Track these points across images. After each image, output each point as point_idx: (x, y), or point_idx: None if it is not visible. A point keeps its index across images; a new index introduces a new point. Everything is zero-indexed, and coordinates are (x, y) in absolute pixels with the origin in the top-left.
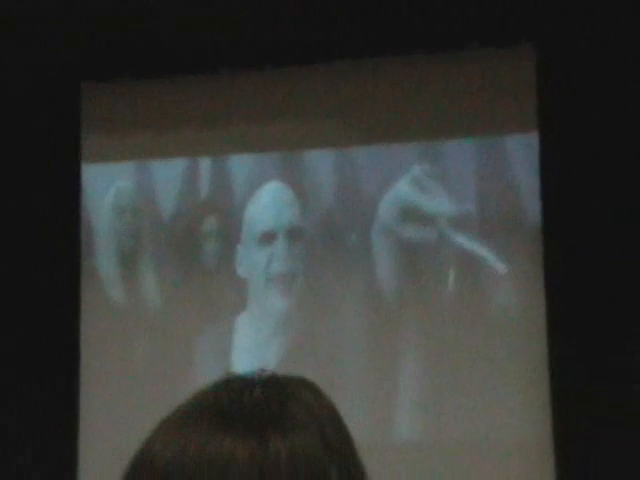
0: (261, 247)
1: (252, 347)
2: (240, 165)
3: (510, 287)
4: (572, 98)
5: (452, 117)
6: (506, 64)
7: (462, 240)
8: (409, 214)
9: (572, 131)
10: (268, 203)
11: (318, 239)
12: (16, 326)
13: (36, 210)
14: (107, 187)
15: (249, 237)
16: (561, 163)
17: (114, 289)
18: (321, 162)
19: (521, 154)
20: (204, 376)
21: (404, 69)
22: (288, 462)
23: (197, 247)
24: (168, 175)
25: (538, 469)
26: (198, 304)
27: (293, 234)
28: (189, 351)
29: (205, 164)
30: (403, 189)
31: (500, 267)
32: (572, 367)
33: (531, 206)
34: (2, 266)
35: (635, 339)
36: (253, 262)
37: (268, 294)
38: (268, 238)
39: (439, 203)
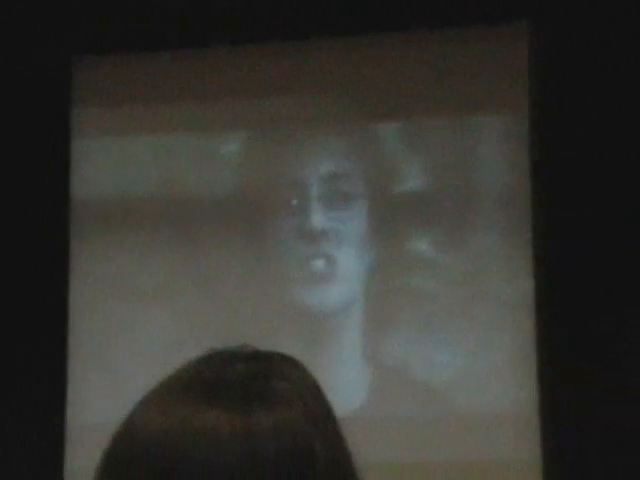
0: None
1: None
2: (234, 142)
3: (498, 263)
4: (565, 78)
5: (441, 96)
6: (498, 43)
7: (448, 212)
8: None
9: (563, 111)
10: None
11: None
12: (6, 313)
13: (25, 185)
14: (97, 162)
15: None
16: (551, 143)
17: (103, 264)
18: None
19: (511, 133)
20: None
21: (392, 47)
22: (273, 436)
23: (186, 222)
24: (161, 150)
25: (524, 436)
26: (190, 279)
27: None
28: (181, 322)
29: (198, 140)
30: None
31: (489, 243)
32: (560, 340)
33: (520, 186)
34: None
35: (626, 312)
36: None
37: None
38: None
39: (422, 178)
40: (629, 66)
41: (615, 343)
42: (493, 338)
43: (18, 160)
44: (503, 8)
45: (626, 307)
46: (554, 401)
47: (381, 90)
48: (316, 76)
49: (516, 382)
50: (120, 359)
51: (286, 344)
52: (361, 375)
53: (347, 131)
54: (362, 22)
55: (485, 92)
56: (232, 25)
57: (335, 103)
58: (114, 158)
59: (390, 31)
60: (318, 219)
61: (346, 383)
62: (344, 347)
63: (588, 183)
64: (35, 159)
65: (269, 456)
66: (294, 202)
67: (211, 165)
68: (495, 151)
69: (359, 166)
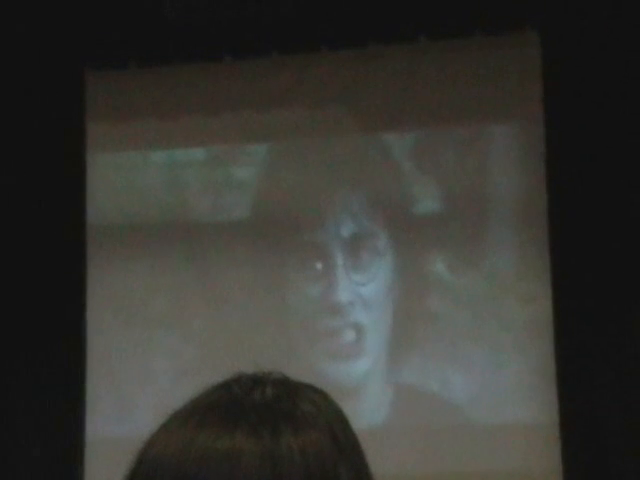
0: None
1: None
2: (246, 153)
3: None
4: (577, 85)
5: (455, 104)
6: (511, 52)
7: (464, 232)
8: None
9: (577, 118)
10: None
11: None
12: (26, 335)
13: (41, 199)
14: (112, 176)
15: None
16: (566, 150)
17: (119, 275)
18: (324, 149)
19: (526, 141)
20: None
21: (405, 57)
22: (301, 458)
23: (200, 234)
24: (173, 162)
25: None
26: (198, 291)
27: None
28: (192, 345)
29: (211, 152)
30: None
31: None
32: (578, 355)
33: (537, 193)
34: (5, 262)
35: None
36: None
37: None
38: None
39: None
40: None
41: (632, 356)
42: (513, 350)
43: (34, 174)
44: (514, 18)
45: None
46: (573, 412)
47: (391, 102)
48: (325, 88)
49: (536, 394)
50: (133, 378)
51: (302, 361)
52: (383, 389)
53: (357, 143)
54: (372, 33)
55: (498, 101)
56: (244, 39)
57: (343, 115)
58: (128, 171)
59: (400, 42)
60: (331, 242)
61: (369, 397)
62: (366, 363)
63: (606, 198)
64: (50, 173)
65: None
66: (307, 223)
67: (223, 179)
68: (509, 162)
69: (372, 183)
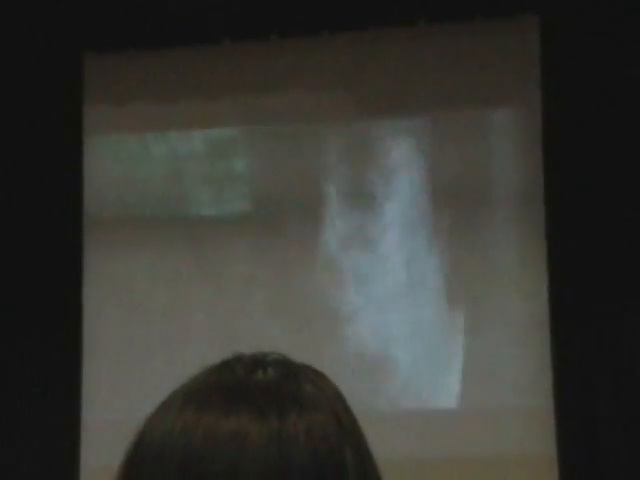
0: None
1: None
2: (245, 137)
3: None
4: (576, 71)
5: (455, 89)
6: (511, 36)
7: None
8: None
9: (576, 103)
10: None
11: None
12: (25, 321)
13: (38, 183)
14: (110, 159)
15: None
16: (564, 136)
17: (117, 264)
18: (323, 133)
19: (523, 127)
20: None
21: (404, 41)
22: (307, 441)
23: (200, 224)
24: (172, 147)
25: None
26: (198, 282)
27: None
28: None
29: (209, 136)
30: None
31: (504, 238)
32: (574, 348)
33: (534, 179)
34: (1, 251)
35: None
36: None
37: None
38: None
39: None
40: None
41: (629, 347)
42: (510, 342)
43: (31, 157)
44: (515, 2)
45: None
46: (569, 399)
47: (390, 86)
48: (325, 72)
49: (532, 382)
50: (131, 367)
51: (302, 349)
52: (377, 373)
53: (355, 128)
54: (372, 16)
55: (497, 86)
56: (243, 22)
57: (342, 100)
58: (126, 156)
59: (399, 26)
60: (331, 227)
61: (362, 377)
62: (360, 348)
63: (605, 186)
64: (47, 156)
65: (303, 463)
66: (307, 208)
67: (223, 167)
68: (508, 147)
69: (369, 166)
